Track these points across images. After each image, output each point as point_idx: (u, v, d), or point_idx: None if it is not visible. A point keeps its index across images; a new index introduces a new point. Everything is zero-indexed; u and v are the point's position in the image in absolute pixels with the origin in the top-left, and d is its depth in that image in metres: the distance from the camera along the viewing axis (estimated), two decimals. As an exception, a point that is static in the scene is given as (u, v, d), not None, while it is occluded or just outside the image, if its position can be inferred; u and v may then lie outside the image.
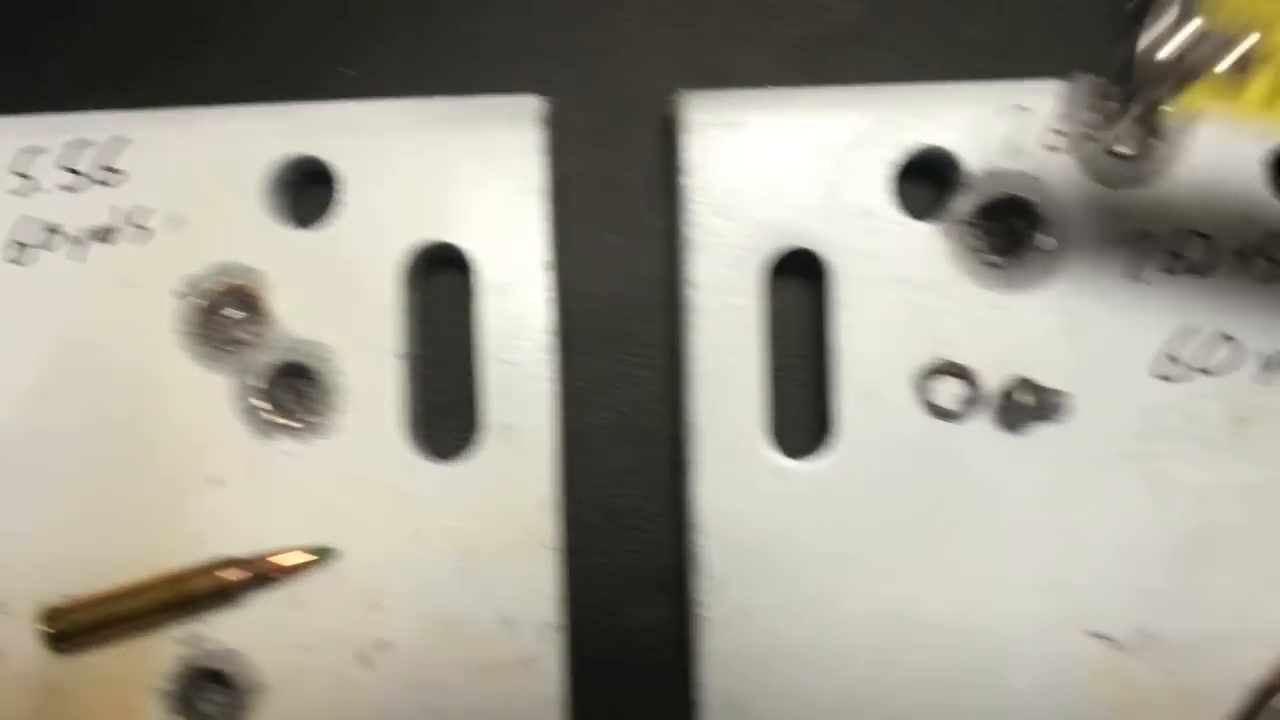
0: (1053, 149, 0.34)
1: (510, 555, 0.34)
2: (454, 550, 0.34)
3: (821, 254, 0.34)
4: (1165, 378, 0.33)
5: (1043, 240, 0.34)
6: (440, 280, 0.36)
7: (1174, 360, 0.33)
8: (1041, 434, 0.33)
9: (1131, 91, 0.29)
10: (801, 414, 0.35)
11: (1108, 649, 0.33)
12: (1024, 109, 0.34)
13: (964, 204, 0.34)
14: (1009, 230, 0.35)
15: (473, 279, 0.34)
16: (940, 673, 0.33)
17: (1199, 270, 0.33)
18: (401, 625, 0.34)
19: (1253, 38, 0.28)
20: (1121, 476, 0.33)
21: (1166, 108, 0.28)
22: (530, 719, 0.33)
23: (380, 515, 0.34)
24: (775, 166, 0.34)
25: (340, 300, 0.34)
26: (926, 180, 0.35)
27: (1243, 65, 0.28)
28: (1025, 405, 0.33)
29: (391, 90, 0.36)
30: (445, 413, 0.36)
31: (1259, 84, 0.28)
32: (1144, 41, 0.28)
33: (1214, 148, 0.34)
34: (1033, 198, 0.34)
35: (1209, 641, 0.33)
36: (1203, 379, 0.33)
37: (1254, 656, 0.33)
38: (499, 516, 0.34)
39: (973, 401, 0.33)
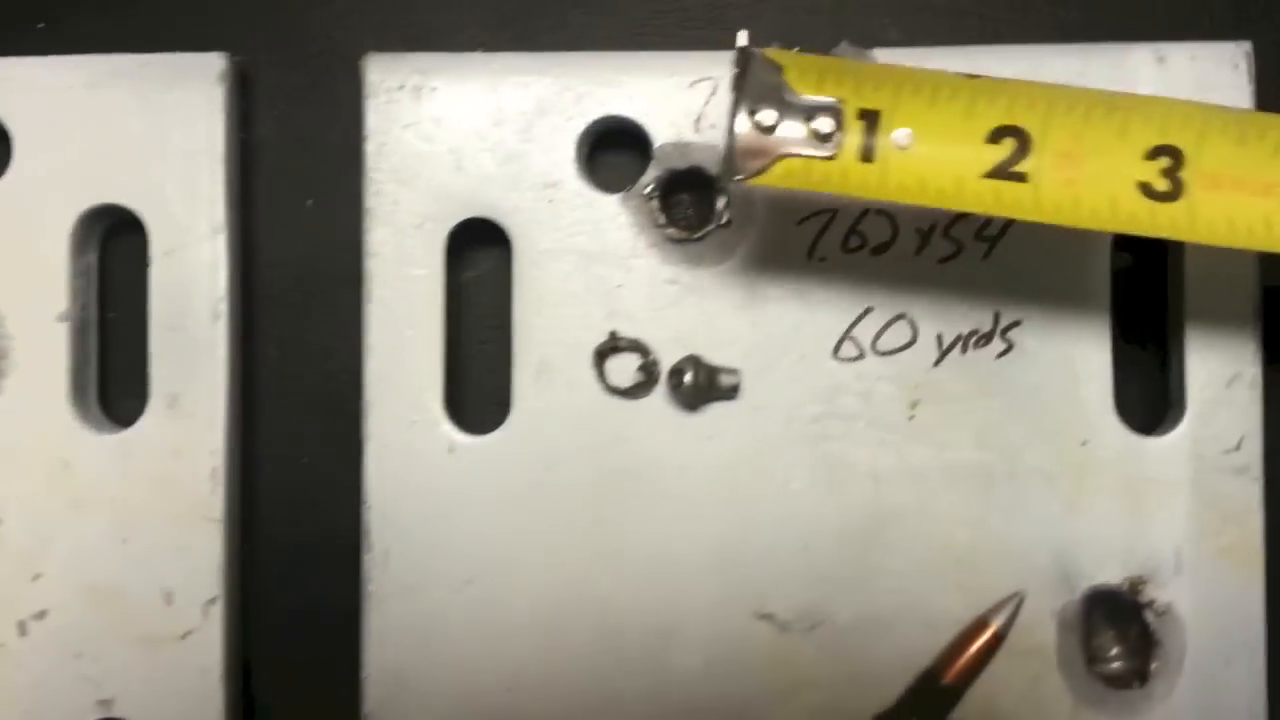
0: (741, 122, 0.33)
1: (173, 527, 0.33)
2: (115, 521, 0.33)
3: (503, 224, 0.33)
4: (843, 358, 0.33)
5: (724, 216, 0.33)
6: (122, 243, 0.35)
7: (852, 340, 0.33)
8: (717, 413, 0.33)
9: (726, 167, 0.28)
10: (489, 388, 0.35)
11: (776, 631, 0.33)
12: (713, 80, 0.33)
13: (649, 176, 0.33)
14: (694, 204, 0.34)
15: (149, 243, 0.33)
16: (609, 653, 0.33)
17: (879, 249, 0.33)
18: (60, 595, 0.33)
19: (833, 103, 0.28)
20: (796, 458, 0.33)
21: (757, 183, 0.28)
22: (190, 692, 0.33)
23: (41, 483, 0.33)
24: (459, 133, 0.33)
25: (7, 262, 0.33)
26: (626, 151, 0.35)
27: (827, 136, 0.28)
28: (698, 384, 0.32)
29: (83, 46, 0.35)
30: (123, 380, 0.35)
31: (845, 152, 0.28)
32: (735, 120, 0.28)
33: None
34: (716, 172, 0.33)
35: (876, 625, 0.33)
36: (880, 360, 0.33)
37: (920, 640, 0.33)
38: (162, 488, 0.33)
39: (649, 378, 0.33)
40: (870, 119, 0.28)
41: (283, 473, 0.35)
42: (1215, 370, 0.33)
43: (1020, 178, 0.27)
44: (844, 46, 0.33)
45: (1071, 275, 0.33)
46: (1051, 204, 0.27)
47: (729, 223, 0.33)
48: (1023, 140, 0.27)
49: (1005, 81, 0.28)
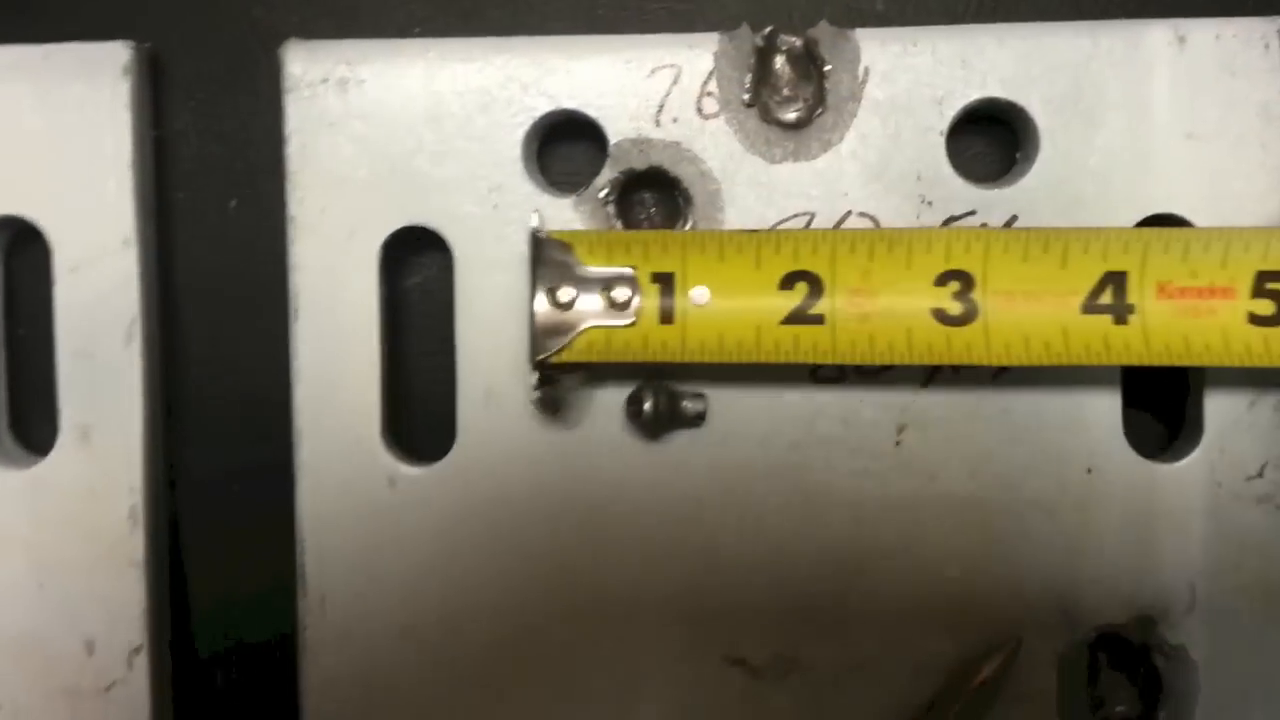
0: (707, 115, 0.30)
1: (92, 571, 0.30)
2: (30, 565, 0.30)
3: (443, 233, 0.30)
4: (822, 379, 0.30)
5: (690, 220, 0.30)
6: (30, 255, 0.32)
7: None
8: (681, 441, 0.30)
9: (530, 348, 0.28)
10: (434, 408, 0.32)
11: (748, 678, 0.30)
12: (674, 67, 0.30)
13: (604, 177, 0.30)
14: (658, 204, 0.31)
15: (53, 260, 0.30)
16: (567, 705, 0.30)
17: (862, 259, 0.30)
18: (-28, 646, 0.30)
19: (626, 271, 0.28)
20: (769, 489, 0.30)
21: (560, 360, 0.28)
22: (117, 747, 0.30)
23: (-53, 525, 0.30)
24: (391, 131, 0.30)
25: (-102, 281, 0.30)
26: (582, 142, 0.31)
27: (625, 304, 0.28)
28: (658, 412, 0.29)
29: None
30: (42, 403, 0.32)
31: (644, 317, 0.28)
32: (534, 301, 0.28)
33: (889, 114, 0.29)
34: (681, 171, 0.30)
35: (857, 671, 0.30)
36: (863, 381, 0.30)
37: (906, 688, 0.30)
38: (78, 529, 0.30)
39: (604, 403, 0.30)
40: (665, 281, 0.28)
41: (210, 507, 0.32)
42: (1235, 390, 0.29)
43: (818, 320, 0.28)
44: (823, 26, 0.29)
45: (1077, 284, 0.29)
46: (848, 342, 0.28)
47: (695, 226, 0.30)
48: (814, 283, 0.28)
49: (788, 231, 0.29)
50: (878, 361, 0.28)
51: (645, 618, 0.30)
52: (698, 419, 0.30)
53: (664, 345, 0.28)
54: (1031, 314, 0.27)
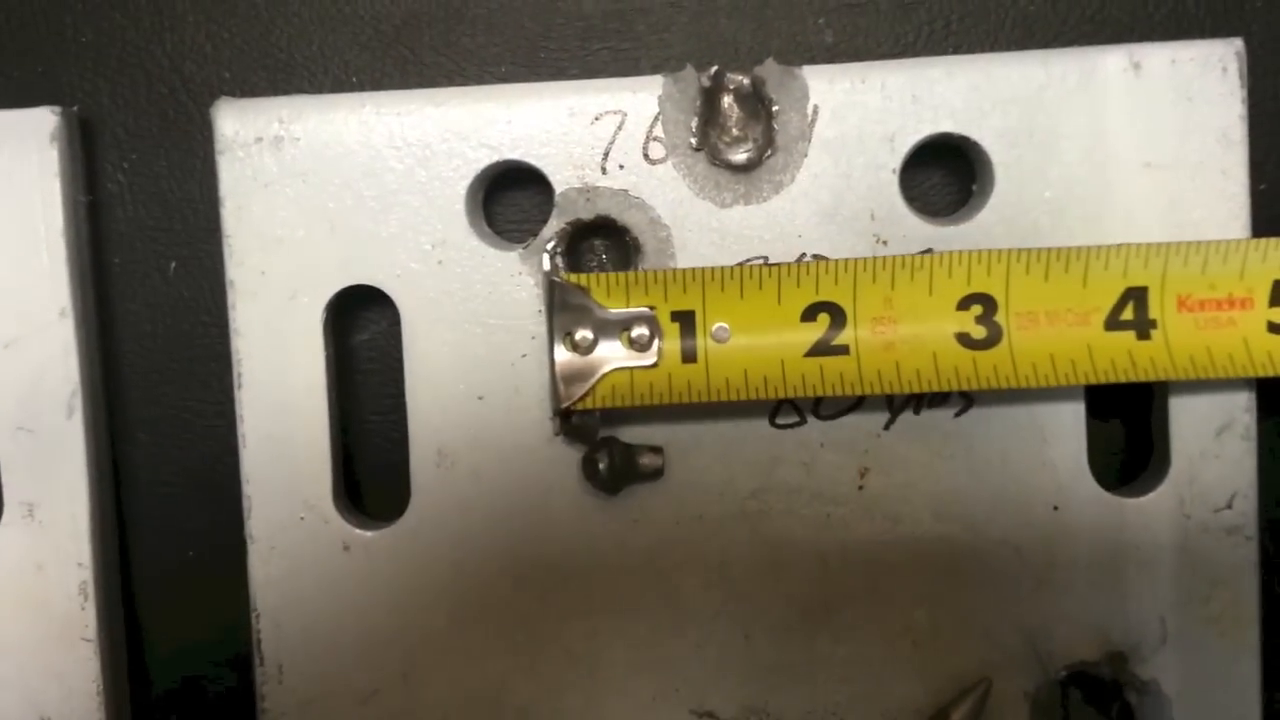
0: (654, 161, 0.29)
1: (44, 649, 0.30)
2: (-20, 645, 0.30)
3: (388, 290, 0.29)
4: (782, 423, 0.29)
5: (638, 264, 0.29)
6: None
7: (792, 404, 0.29)
8: (640, 492, 0.29)
9: (552, 397, 0.28)
10: (387, 469, 0.31)
11: (717, 729, 0.30)
12: (619, 114, 0.29)
13: (550, 229, 0.29)
14: (608, 250, 0.30)
15: (-13, 331, 0.29)
16: (535, 760, 0.30)
17: (817, 302, 0.29)
18: (-74, 730, 0.30)
19: (645, 311, 0.28)
20: (731, 538, 0.29)
21: (583, 406, 0.28)
22: (79, 826, 0.30)
23: (-106, 608, 0.30)
24: (329, 189, 0.29)
25: None
26: (528, 188, 0.30)
27: (646, 344, 0.27)
28: (614, 468, 0.29)
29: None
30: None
31: (666, 358, 0.27)
32: (555, 349, 0.28)
33: (840, 153, 0.29)
34: (629, 219, 0.29)
35: (827, 719, 0.30)
36: (824, 425, 0.29)
37: (876, 733, 0.30)
38: (28, 606, 0.30)
39: (560, 459, 0.29)
40: (685, 319, 0.27)
41: (163, 579, 0.31)
42: (1203, 419, 0.29)
43: (842, 350, 0.27)
44: (769, 65, 0.29)
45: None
46: (874, 372, 0.27)
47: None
48: (836, 314, 0.27)
49: (808, 264, 0.28)
50: (905, 390, 0.27)
51: (611, 673, 0.30)
52: (655, 474, 0.29)
53: (688, 385, 0.27)
54: (1056, 334, 0.27)
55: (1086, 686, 0.30)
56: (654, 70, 0.30)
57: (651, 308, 0.28)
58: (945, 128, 0.29)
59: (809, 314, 0.27)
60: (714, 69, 0.29)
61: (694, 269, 0.28)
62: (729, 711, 0.30)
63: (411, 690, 0.30)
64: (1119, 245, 0.27)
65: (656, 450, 0.29)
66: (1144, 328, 0.27)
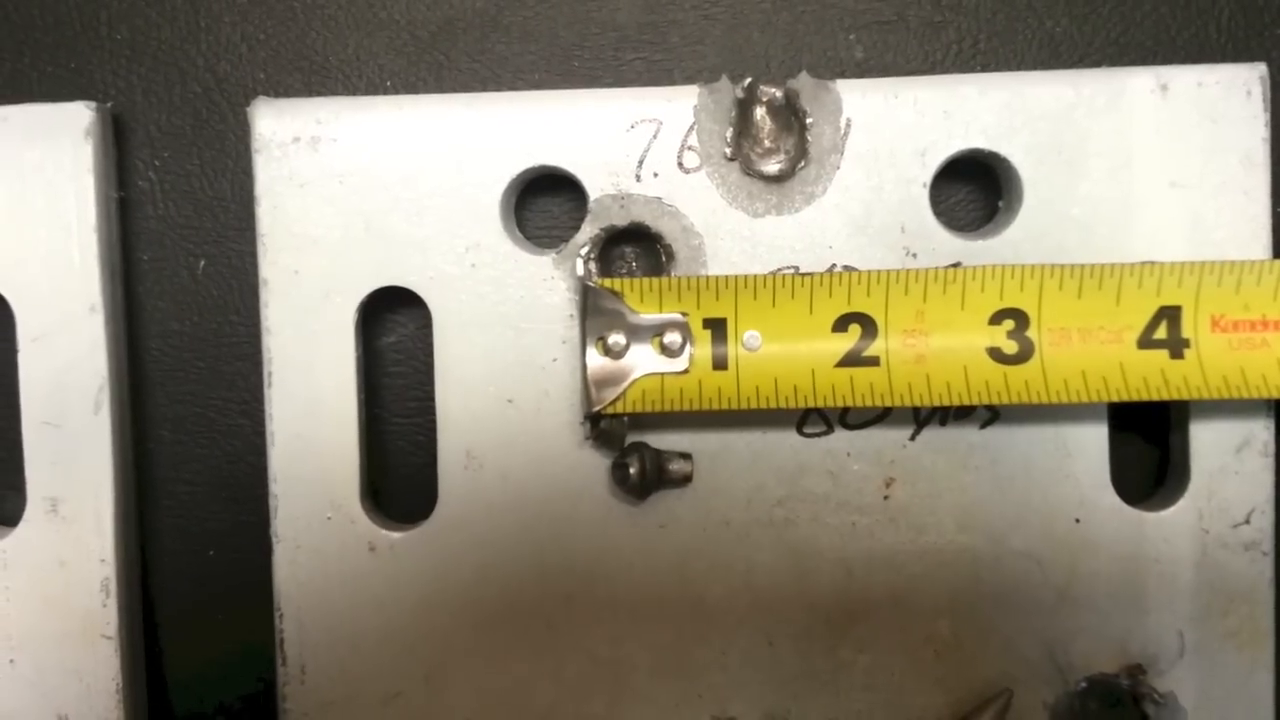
0: (688, 170, 0.29)
1: (65, 646, 0.29)
2: (0, 640, 0.29)
3: (420, 293, 0.29)
4: (809, 433, 0.30)
5: (670, 272, 0.29)
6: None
7: (819, 413, 0.29)
8: (668, 499, 0.29)
9: (584, 401, 0.28)
10: (414, 471, 0.31)
11: (739, 736, 0.30)
12: (654, 122, 0.29)
13: (585, 234, 0.29)
14: (639, 258, 0.30)
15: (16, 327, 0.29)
16: (556, 764, 0.30)
17: (847, 313, 0.29)
18: (-59, 727, 0.30)
19: (678, 318, 0.28)
20: (757, 545, 0.29)
21: (612, 411, 0.28)
22: (94, 826, 0.30)
23: (-88, 602, 0.29)
24: (364, 191, 0.29)
25: None
26: (562, 194, 0.31)
27: (677, 350, 0.28)
28: (645, 475, 0.29)
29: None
30: (7, 472, 0.31)
31: (697, 364, 0.28)
32: (587, 354, 0.28)
33: (872, 166, 0.29)
34: (663, 227, 0.29)
35: (849, 727, 0.30)
36: (850, 435, 0.30)
37: (898, 742, 0.30)
38: (49, 602, 0.29)
39: (588, 464, 0.29)
40: (717, 327, 0.28)
41: (186, 577, 0.31)
42: (1223, 436, 0.29)
43: (873, 361, 0.27)
44: (803, 78, 0.29)
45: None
46: (904, 384, 0.27)
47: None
48: (867, 325, 0.28)
49: (840, 274, 0.28)
50: (935, 403, 0.27)
51: (634, 678, 0.30)
52: (684, 481, 0.29)
53: (719, 392, 0.27)
54: (1088, 351, 0.27)
55: (1105, 698, 0.30)
56: (686, 81, 0.30)
57: (684, 314, 0.28)
58: (976, 144, 0.29)
59: (840, 324, 0.28)
60: (748, 80, 0.29)
61: (727, 276, 0.28)
62: (752, 717, 0.30)
63: (434, 692, 0.30)
64: (1151, 264, 0.28)
65: (686, 457, 0.29)
66: (1178, 347, 0.27)
